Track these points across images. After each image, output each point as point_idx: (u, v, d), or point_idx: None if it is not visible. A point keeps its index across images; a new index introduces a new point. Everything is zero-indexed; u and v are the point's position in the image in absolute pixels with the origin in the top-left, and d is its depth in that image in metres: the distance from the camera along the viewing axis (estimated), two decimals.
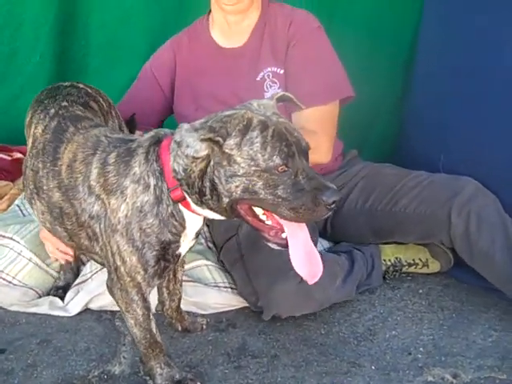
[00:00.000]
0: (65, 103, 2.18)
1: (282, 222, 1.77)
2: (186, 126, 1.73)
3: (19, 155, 3.20)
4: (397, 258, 2.62)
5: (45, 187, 2.02)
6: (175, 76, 2.67)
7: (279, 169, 1.68)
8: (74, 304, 2.38)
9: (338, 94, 2.53)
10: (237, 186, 1.70)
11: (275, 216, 1.76)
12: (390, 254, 2.64)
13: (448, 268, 2.64)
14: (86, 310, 2.38)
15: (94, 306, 2.39)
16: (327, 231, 2.72)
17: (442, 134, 2.81)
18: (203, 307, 2.43)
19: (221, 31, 2.58)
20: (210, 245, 2.69)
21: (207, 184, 1.74)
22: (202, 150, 1.69)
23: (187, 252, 2.04)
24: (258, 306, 2.33)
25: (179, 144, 1.72)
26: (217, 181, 1.72)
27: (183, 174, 1.76)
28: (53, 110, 2.15)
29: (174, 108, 2.71)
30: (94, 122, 2.11)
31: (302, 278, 2.13)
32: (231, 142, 1.68)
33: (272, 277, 2.26)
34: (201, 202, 1.79)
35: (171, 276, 2.22)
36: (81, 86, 2.33)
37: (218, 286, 2.49)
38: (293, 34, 2.48)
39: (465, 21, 2.76)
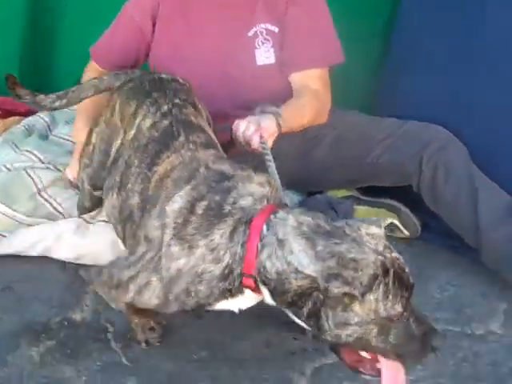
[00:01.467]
0: (177, 100, 2.03)
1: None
2: (292, 220, 1.57)
3: None
4: None
5: (129, 185, 1.89)
6: (157, 16, 2.52)
7: (399, 317, 1.52)
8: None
9: (335, 59, 2.54)
10: (349, 335, 1.52)
11: None
12: (361, 216, 2.64)
13: (415, 236, 2.65)
14: (52, 259, 2.37)
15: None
16: (296, 182, 2.63)
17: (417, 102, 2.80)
18: None
19: None
20: None
21: (306, 304, 1.55)
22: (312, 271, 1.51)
23: None
24: None
25: (280, 244, 1.56)
26: (323, 317, 1.53)
27: (275, 276, 1.56)
28: (166, 107, 1.99)
29: (152, 50, 2.58)
30: (205, 138, 1.93)
31: None
32: (371, 297, 1.48)
33: None
34: (281, 302, 1.61)
35: None
36: (181, 80, 2.18)
37: None
38: None
39: None
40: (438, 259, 2.53)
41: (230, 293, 1.66)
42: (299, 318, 1.60)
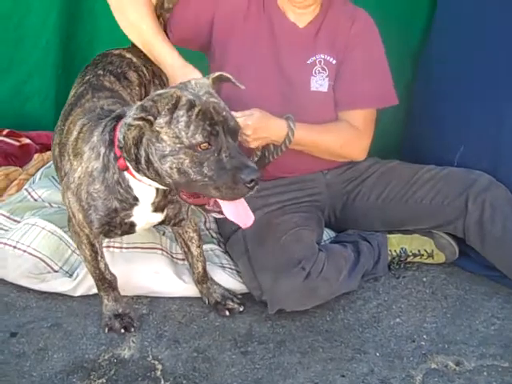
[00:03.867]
0: (100, 71, 2.34)
1: None
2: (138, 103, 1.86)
3: (27, 141, 3.22)
4: (402, 249, 2.65)
5: (54, 141, 2.27)
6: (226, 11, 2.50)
7: (201, 146, 1.78)
8: (78, 285, 2.40)
9: (387, 102, 2.58)
10: (171, 168, 1.81)
11: None
12: (395, 244, 2.66)
13: (453, 259, 2.66)
14: (95, 295, 2.39)
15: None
16: (331, 221, 2.73)
17: (453, 128, 2.79)
18: None
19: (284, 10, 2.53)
20: (215, 235, 2.71)
21: (142, 153, 1.86)
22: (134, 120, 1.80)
23: (151, 225, 2.21)
24: (262, 299, 2.35)
25: (124, 116, 1.89)
26: (151, 157, 1.84)
27: (122, 141, 1.90)
28: (87, 77, 2.32)
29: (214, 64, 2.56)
30: (112, 94, 2.24)
31: (307, 275, 2.24)
32: (161, 120, 1.79)
33: (277, 273, 2.28)
34: (138, 170, 1.91)
35: (186, 250, 2.36)
36: (128, 55, 2.45)
37: (224, 267, 2.51)
38: (355, 34, 2.50)
39: (479, 7, 2.75)
40: (480, 290, 2.53)
41: (121, 187, 1.97)
42: (148, 177, 1.90)
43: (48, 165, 2.99)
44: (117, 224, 2.07)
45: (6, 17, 3.17)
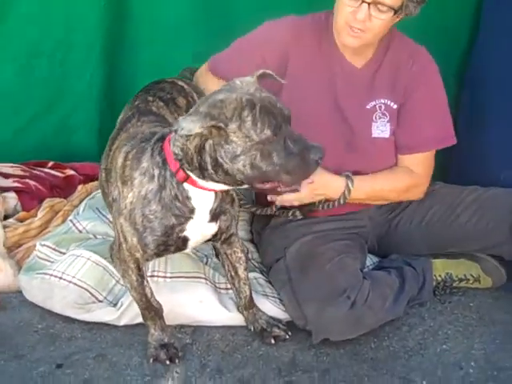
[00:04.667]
0: (150, 97, 2.41)
1: None
2: (181, 117, 1.91)
3: (72, 172, 3.28)
4: (447, 274, 2.61)
5: (101, 167, 2.34)
6: (286, 66, 2.48)
7: (270, 139, 1.85)
8: (122, 314, 2.42)
9: (446, 143, 2.55)
10: (244, 166, 1.87)
11: None
12: (440, 269, 2.62)
13: (500, 284, 2.61)
14: (139, 325, 2.40)
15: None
16: (375, 248, 2.71)
17: (499, 149, 2.78)
18: None
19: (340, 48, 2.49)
20: (257, 265, 2.70)
21: (208, 159, 1.90)
22: (195, 129, 1.82)
23: (203, 240, 2.20)
24: (307, 328, 2.33)
25: (176, 131, 1.90)
26: (221, 160, 1.88)
27: (181, 153, 1.94)
28: (136, 102, 2.41)
29: None
30: (157, 119, 2.30)
31: (352, 304, 2.22)
32: (233, 125, 1.84)
33: (321, 302, 2.26)
34: (203, 176, 1.95)
35: (233, 273, 2.35)
36: (180, 83, 2.54)
37: (267, 296, 2.50)
38: (416, 74, 2.46)
39: None
40: None
41: (178, 201, 2.02)
42: (216, 180, 1.94)
43: (91, 196, 3.03)
44: (173, 241, 2.10)
45: (51, 54, 3.25)
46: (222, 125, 1.83)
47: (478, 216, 2.49)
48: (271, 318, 2.41)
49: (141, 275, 2.20)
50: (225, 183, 1.97)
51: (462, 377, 2.17)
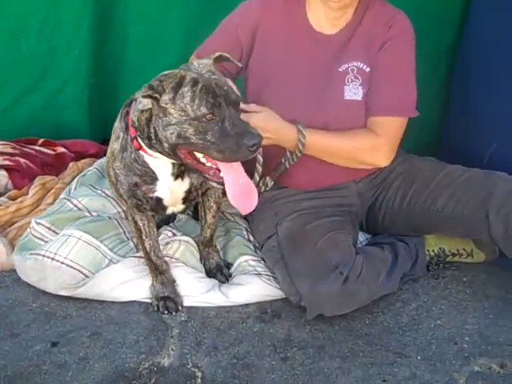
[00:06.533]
0: None
1: (218, 162, 2.04)
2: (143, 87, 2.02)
3: (63, 150, 3.25)
4: (440, 248, 2.61)
5: None
6: (255, 39, 2.52)
7: (207, 117, 1.95)
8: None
9: (406, 113, 2.47)
10: (171, 133, 1.99)
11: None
12: (433, 244, 2.63)
13: (493, 258, 2.62)
14: (134, 303, 2.43)
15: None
16: (363, 228, 2.71)
17: (490, 124, 2.76)
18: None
19: (315, 19, 2.48)
20: (251, 238, 2.70)
21: (152, 130, 2.04)
22: (146, 104, 1.99)
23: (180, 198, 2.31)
24: (301, 305, 2.34)
25: (136, 101, 2.07)
26: (157, 129, 2.02)
27: (136, 123, 2.09)
28: None
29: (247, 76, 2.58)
30: None
31: (345, 279, 2.22)
32: (166, 97, 1.97)
33: (314, 278, 2.27)
34: (150, 146, 2.09)
35: (203, 215, 2.51)
36: None
37: (260, 274, 2.50)
38: (388, 38, 2.43)
39: None
40: None
41: (138, 163, 2.17)
42: (158, 151, 2.08)
43: (83, 173, 3.01)
44: (141, 197, 2.26)
45: (39, 29, 3.20)
46: (157, 95, 1.97)
47: (454, 202, 2.43)
48: (223, 261, 2.60)
49: (137, 228, 2.39)
50: (164, 155, 2.09)
51: (456, 352, 2.19)
